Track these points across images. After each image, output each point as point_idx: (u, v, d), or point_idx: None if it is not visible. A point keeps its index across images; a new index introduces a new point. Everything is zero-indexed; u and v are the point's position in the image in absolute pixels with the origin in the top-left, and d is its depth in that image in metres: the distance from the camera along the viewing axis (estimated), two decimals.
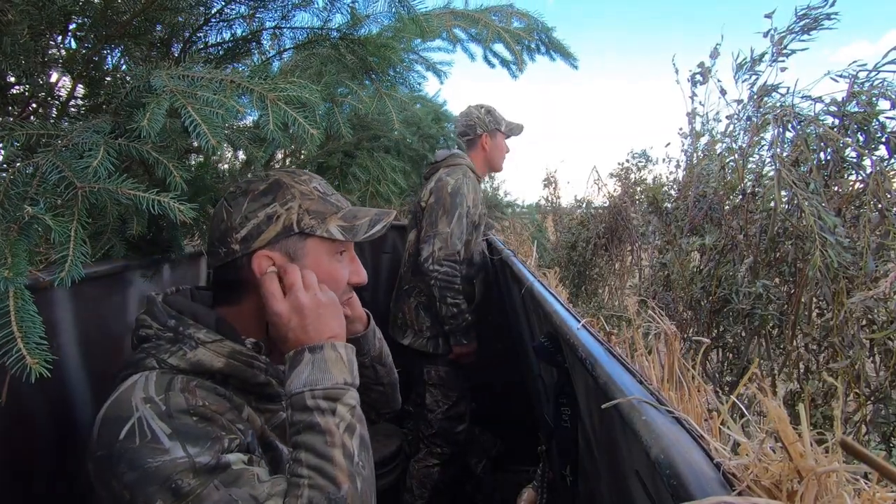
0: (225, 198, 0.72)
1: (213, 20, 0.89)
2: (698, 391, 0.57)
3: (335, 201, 0.75)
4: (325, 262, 0.72)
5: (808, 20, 1.45)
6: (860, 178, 1.31)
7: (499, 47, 1.55)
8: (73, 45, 0.89)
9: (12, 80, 0.84)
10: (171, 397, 0.58)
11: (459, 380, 1.83)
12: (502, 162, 2.03)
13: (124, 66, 0.90)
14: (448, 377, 1.79)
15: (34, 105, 0.87)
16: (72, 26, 0.84)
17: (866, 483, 0.37)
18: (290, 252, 0.70)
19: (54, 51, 0.87)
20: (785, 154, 1.40)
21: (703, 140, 2.11)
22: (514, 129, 2.01)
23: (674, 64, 2.12)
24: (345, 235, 0.72)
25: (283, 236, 0.69)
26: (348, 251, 0.77)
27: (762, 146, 1.60)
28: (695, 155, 2.17)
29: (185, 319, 0.66)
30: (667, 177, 2.61)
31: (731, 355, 1.62)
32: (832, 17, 1.41)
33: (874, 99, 1.26)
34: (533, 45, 1.54)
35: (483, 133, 1.94)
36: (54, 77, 0.88)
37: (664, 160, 2.46)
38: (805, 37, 1.48)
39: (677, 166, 2.36)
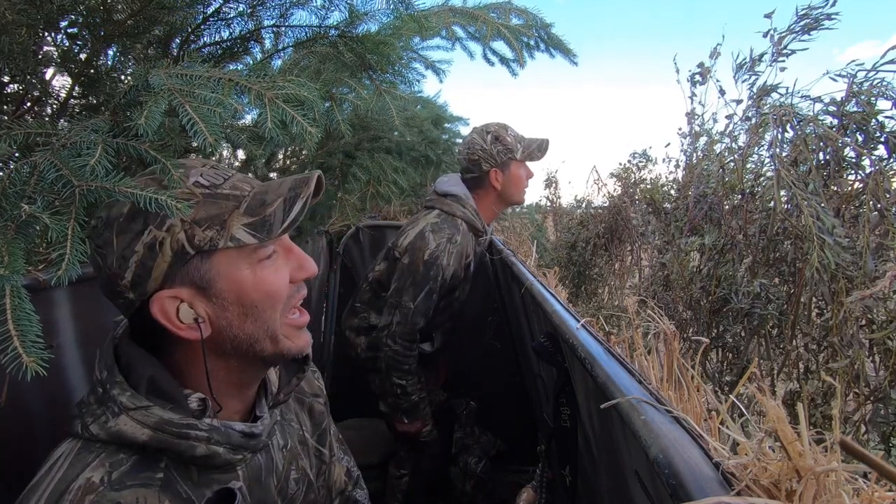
0: (90, 237, 0.55)
1: (212, 19, 0.89)
2: (697, 391, 0.57)
3: (230, 191, 0.57)
4: (246, 275, 0.56)
5: (808, 20, 1.45)
6: (859, 177, 1.31)
7: (498, 45, 1.54)
8: (68, 43, 0.89)
9: (6, 79, 0.83)
10: None
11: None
12: (523, 194, 1.66)
13: (122, 65, 0.90)
14: None
15: (29, 104, 0.87)
16: (65, 22, 0.84)
17: (865, 482, 0.37)
18: (197, 281, 0.55)
19: (51, 48, 0.87)
20: (784, 154, 1.40)
21: (703, 140, 2.11)
22: (534, 153, 1.61)
23: (675, 62, 2.12)
24: (257, 236, 0.55)
25: (179, 265, 0.54)
26: (278, 243, 0.60)
27: (761, 146, 1.60)
28: (694, 155, 2.17)
29: (114, 374, 0.54)
30: (666, 177, 2.61)
31: (730, 355, 1.62)
32: (833, 17, 1.41)
33: (873, 99, 1.26)
34: (532, 42, 1.53)
35: (491, 168, 1.57)
36: (50, 76, 0.88)
37: (664, 160, 2.46)
38: (805, 37, 1.48)
39: (677, 166, 2.36)
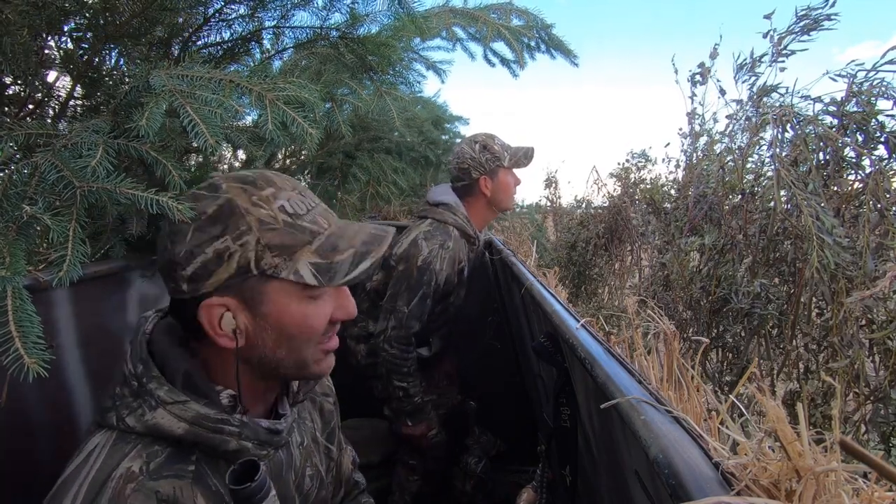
0: (167, 220, 0.59)
1: (213, 20, 0.89)
2: (697, 391, 0.57)
3: (309, 224, 0.59)
4: (293, 307, 0.58)
5: (808, 21, 1.45)
6: (859, 177, 1.32)
7: (498, 46, 1.55)
8: (71, 45, 0.89)
9: (8, 80, 0.84)
10: None
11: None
12: (511, 200, 1.72)
13: (123, 66, 0.91)
14: None
15: (31, 105, 0.87)
16: (69, 26, 0.84)
17: (865, 482, 0.37)
18: (247, 297, 0.57)
19: (52, 51, 0.87)
20: (784, 154, 1.40)
21: (703, 140, 2.11)
22: (521, 160, 1.67)
23: (673, 63, 2.13)
24: (319, 279, 0.57)
25: (239, 279, 0.56)
26: None
27: (761, 146, 1.60)
28: (694, 155, 2.17)
29: (150, 368, 0.56)
30: (666, 177, 2.61)
31: (730, 355, 1.63)
32: (832, 17, 1.41)
33: (873, 98, 1.26)
34: (533, 44, 1.53)
35: (480, 176, 1.63)
36: (52, 77, 0.88)
37: (664, 160, 2.46)
38: (805, 37, 1.48)
39: (677, 166, 2.36)
